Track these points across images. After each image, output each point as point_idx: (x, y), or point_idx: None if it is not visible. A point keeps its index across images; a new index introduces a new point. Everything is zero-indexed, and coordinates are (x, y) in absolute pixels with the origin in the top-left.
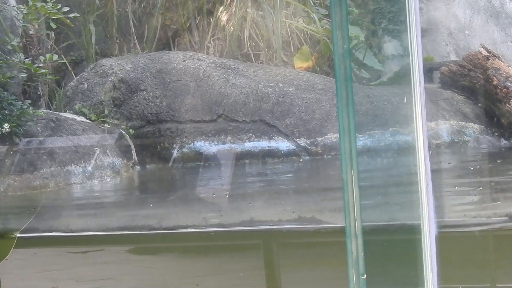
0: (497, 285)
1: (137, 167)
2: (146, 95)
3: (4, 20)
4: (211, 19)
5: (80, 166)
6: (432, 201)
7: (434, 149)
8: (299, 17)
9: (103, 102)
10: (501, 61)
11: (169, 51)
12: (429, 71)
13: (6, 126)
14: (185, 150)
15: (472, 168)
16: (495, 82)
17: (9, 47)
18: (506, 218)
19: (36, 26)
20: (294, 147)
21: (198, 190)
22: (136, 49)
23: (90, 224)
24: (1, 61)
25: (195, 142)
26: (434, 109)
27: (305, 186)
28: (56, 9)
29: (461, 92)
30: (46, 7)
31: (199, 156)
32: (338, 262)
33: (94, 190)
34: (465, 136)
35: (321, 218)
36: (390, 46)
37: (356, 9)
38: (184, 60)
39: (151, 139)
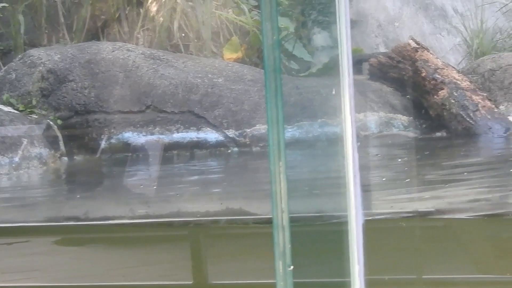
0: (423, 276)
1: (65, 158)
2: (75, 85)
3: None
4: (141, 10)
5: (7, 157)
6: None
7: (362, 140)
8: (229, 8)
9: (31, 93)
10: (430, 53)
11: (98, 42)
12: (358, 62)
13: None
14: (113, 141)
15: (400, 160)
16: (423, 74)
17: None
18: (433, 209)
19: None
20: (223, 138)
21: (126, 181)
22: (65, 39)
23: (16, 215)
24: None
25: (124, 132)
26: (363, 100)
27: (233, 177)
28: None
29: (390, 84)
30: None
31: (127, 147)
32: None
33: (20, 181)
34: (393, 128)
35: (248, 209)
36: (319, 38)
37: (286, 0)
38: (113, 51)
39: (79, 130)
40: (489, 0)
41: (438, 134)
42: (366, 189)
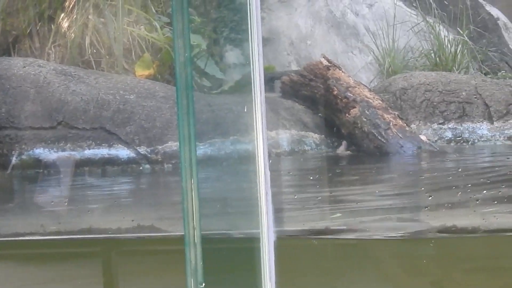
0: None
1: None
2: None
3: None
4: (52, 26)
5: None
6: (271, 210)
7: (274, 158)
8: (141, 25)
9: None
10: (342, 71)
11: (9, 57)
12: (270, 80)
13: None
14: (24, 157)
15: (311, 178)
16: (335, 92)
17: None
18: (345, 227)
19: None
20: (134, 155)
21: (37, 198)
22: None
23: None
24: None
25: (35, 149)
26: (275, 118)
27: (145, 194)
28: None
29: (302, 102)
30: None
31: (38, 163)
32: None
33: None
34: (305, 146)
35: (160, 226)
36: (231, 55)
37: (198, 18)
38: (24, 67)
39: None
40: (401, 19)
41: (349, 152)
42: (278, 206)
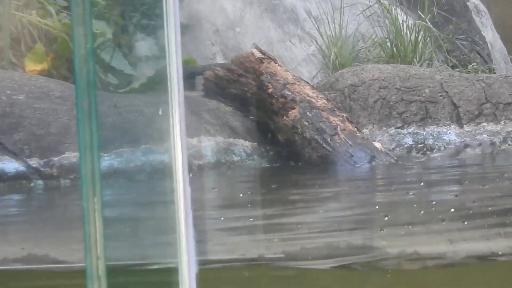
0: None
1: None
2: None
3: None
4: None
5: None
6: (193, 235)
7: (196, 171)
8: (32, 9)
9: None
10: (278, 65)
11: None
12: (190, 76)
13: None
14: None
15: (241, 195)
16: (270, 90)
17: None
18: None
19: None
20: (24, 169)
21: None
22: None
23: None
24: None
25: None
26: (196, 122)
27: (37, 217)
28: None
29: (229, 102)
30: None
31: None
32: None
33: None
34: (233, 156)
35: (56, 255)
36: (143, 45)
37: (103, 0)
38: None
39: None
40: (349, 1)
41: (291, 163)
42: (201, 230)
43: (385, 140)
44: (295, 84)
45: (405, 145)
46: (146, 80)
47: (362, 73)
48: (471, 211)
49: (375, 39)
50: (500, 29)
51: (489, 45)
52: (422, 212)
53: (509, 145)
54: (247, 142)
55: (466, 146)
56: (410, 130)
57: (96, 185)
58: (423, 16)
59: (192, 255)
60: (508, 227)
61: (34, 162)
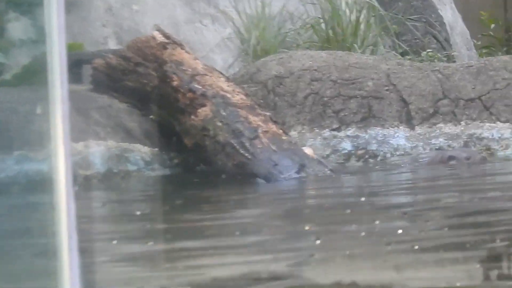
0: None
1: None
2: None
3: None
4: None
5: None
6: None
7: (83, 183)
8: None
9: None
10: (185, 51)
11: None
12: (76, 65)
13: None
14: None
15: (139, 213)
16: (175, 83)
17: None
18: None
19: None
20: None
21: None
22: None
23: None
24: None
25: None
26: (83, 123)
27: None
28: None
29: (124, 98)
30: None
31: None
32: None
33: None
34: (128, 164)
35: None
36: (17, 27)
37: None
38: None
39: None
40: None
41: (200, 174)
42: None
43: (317, 145)
44: (207, 75)
45: (343, 151)
46: (21, 70)
47: (289, 62)
48: (422, 232)
49: (306, 20)
50: (462, 7)
51: (448, 27)
52: (363, 233)
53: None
54: (145, 147)
55: (451, 158)
56: (348, 133)
57: None
58: None
59: (77, 285)
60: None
61: None
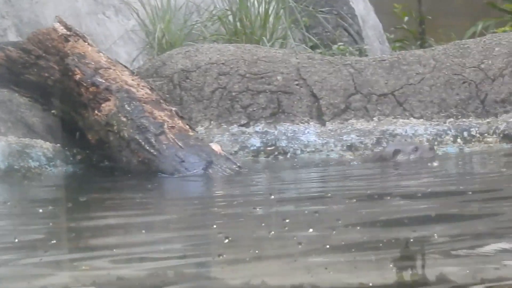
0: None
1: None
2: None
3: None
4: None
5: None
6: None
7: None
8: None
9: None
10: (88, 44)
11: None
12: None
13: None
14: None
15: (41, 211)
16: (78, 77)
17: None
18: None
19: None
20: None
21: None
22: None
23: None
24: None
25: None
26: None
27: None
28: None
29: (25, 92)
30: None
31: None
32: None
33: None
34: (30, 160)
35: None
36: None
37: None
38: None
39: None
40: None
41: (104, 170)
42: None
43: (225, 141)
44: (110, 69)
45: (251, 148)
46: None
47: (196, 55)
48: (334, 232)
49: (214, 12)
50: None
51: (360, 19)
52: (272, 232)
53: (383, 147)
54: (47, 143)
55: (397, 152)
56: (257, 129)
57: None
58: None
59: None
60: (379, 250)
61: None
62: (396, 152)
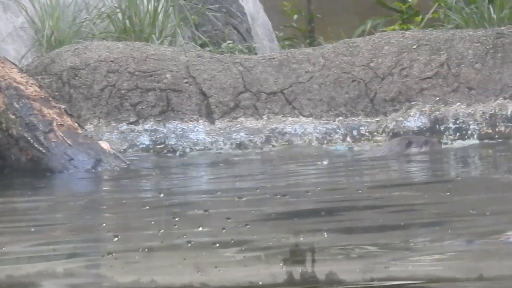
0: None
1: None
2: None
3: None
4: None
5: None
6: None
7: None
8: None
9: None
10: None
11: None
12: None
13: None
14: None
15: None
16: None
17: None
18: None
19: None
20: None
21: None
22: None
23: None
24: None
25: None
26: None
27: None
28: None
29: None
30: None
31: None
32: None
33: None
34: None
35: None
36: None
37: None
38: None
39: None
40: None
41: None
42: None
43: (114, 139)
44: None
45: (140, 146)
46: None
47: (85, 53)
48: (224, 230)
49: (103, 9)
50: None
51: (249, 17)
52: (162, 230)
53: (273, 145)
54: None
55: (409, 144)
56: (146, 127)
57: None
58: None
59: None
60: (270, 249)
61: None
62: (409, 144)
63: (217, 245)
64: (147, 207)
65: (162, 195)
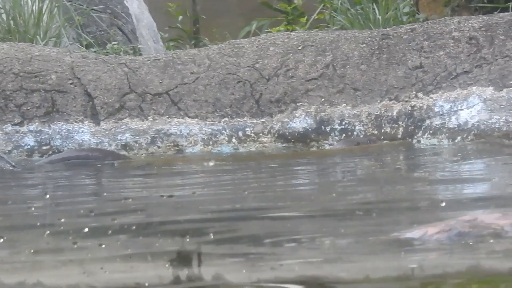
0: None
1: None
2: None
3: None
4: None
5: None
6: None
7: None
8: None
9: None
10: None
11: None
12: None
13: None
14: None
15: None
16: None
17: None
18: None
19: None
20: None
21: None
22: None
23: None
24: None
25: None
26: None
27: None
28: None
29: None
30: None
31: None
32: None
33: None
34: None
35: None
36: None
37: None
38: None
39: None
40: None
41: None
42: None
43: None
44: None
45: (25, 147)
46: None
47: None
48: (109, 231)
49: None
50: None
51: (134, 18)
52: (48, 232)
53: (158, 147)
54: None
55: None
56: (31, 128)
57: None
58: None
59: None
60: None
61: None
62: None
63: (103, 246)
64: (33, 208)
65: (47, 196)
